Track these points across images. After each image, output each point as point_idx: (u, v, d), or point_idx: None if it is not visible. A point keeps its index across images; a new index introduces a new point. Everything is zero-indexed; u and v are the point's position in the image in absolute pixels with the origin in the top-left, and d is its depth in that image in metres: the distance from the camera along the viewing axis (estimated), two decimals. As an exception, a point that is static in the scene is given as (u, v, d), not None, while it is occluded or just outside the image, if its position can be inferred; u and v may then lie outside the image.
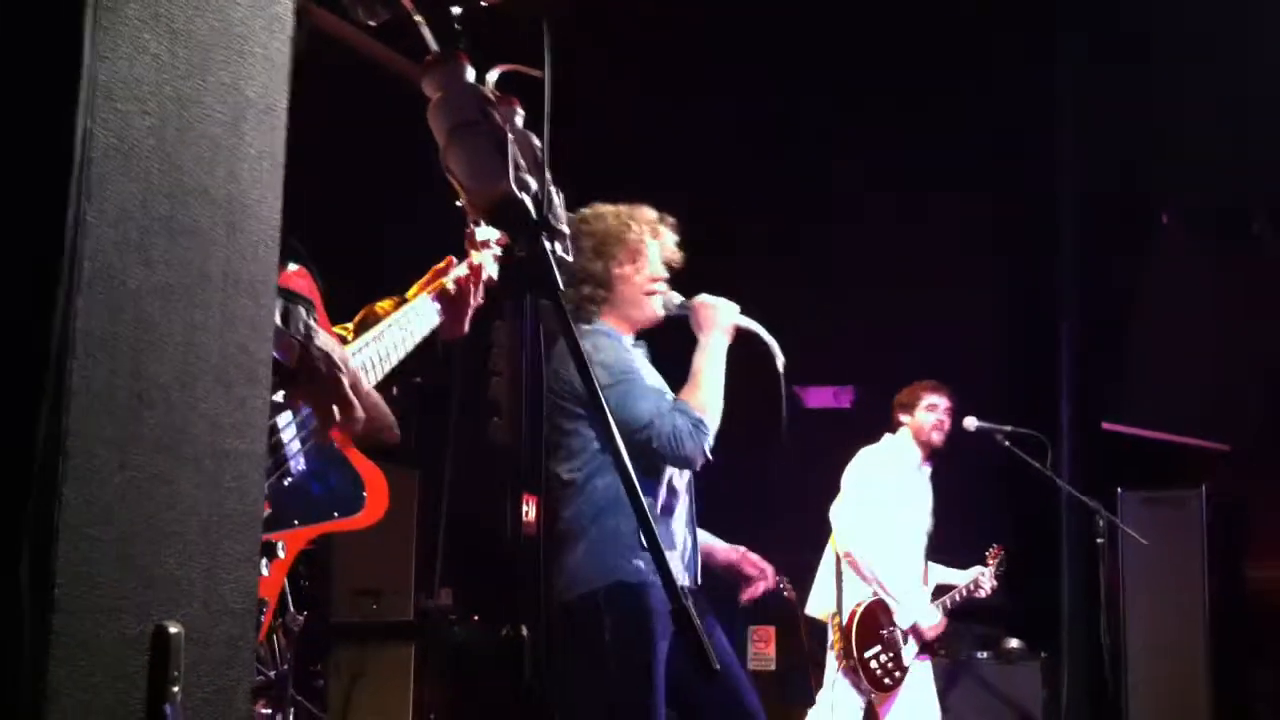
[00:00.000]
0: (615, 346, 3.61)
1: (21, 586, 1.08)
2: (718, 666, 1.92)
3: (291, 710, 4.78)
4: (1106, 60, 7.12)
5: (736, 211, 7.11)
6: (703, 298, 3.69)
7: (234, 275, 1.37)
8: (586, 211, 3.74)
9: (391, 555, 6.13)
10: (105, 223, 1.17)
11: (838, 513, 5.48)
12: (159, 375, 1.28)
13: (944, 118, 7.19)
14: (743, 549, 3.98)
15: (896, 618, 5.38)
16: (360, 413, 2.08)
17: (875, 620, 5.36)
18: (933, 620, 5.46)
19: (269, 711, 4.64)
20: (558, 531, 3.53)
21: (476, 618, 6.76)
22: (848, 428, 6.42)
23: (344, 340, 2.39)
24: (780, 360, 3.65)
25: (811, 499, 5.62)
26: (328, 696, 5.83)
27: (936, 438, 5.59)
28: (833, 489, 5.56)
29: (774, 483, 6.15)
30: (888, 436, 5.68)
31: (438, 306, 2.64)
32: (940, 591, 5.67)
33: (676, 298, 3.72)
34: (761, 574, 3.93)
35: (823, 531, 5.63)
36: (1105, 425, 7.11)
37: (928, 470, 5.64)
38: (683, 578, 3.58)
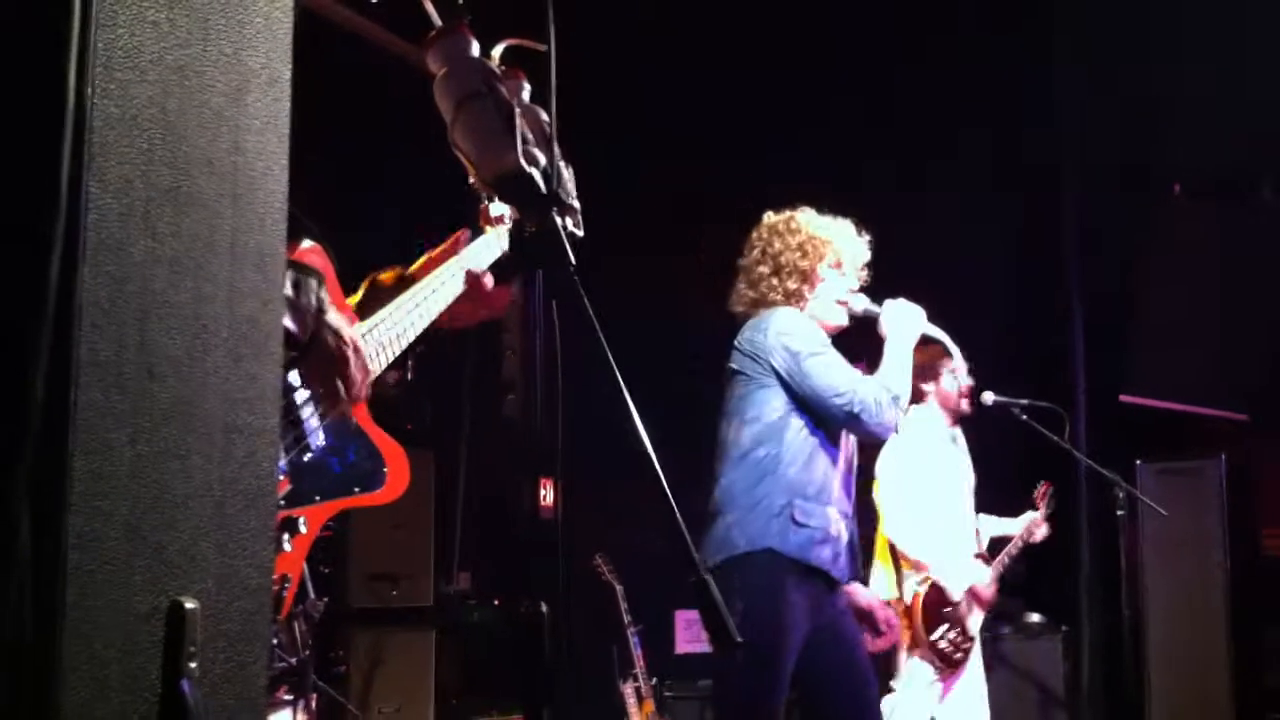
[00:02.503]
0: (811, 323, 3.76)
1: (22, 552, 1.07)
2: (739, 639, 1.91)
3: (313, 696, 4.78)
4: (1110, 32, 7.08)
5: (743, 185, 7.10)
6: (893, 302, 3.88)
7: (241, 247, 1.36)
8: (793, 213, 3.94)
9: (409, 540, 6.13)
10: (108, 193, 1.16)
11: (882, 499, 5.38)
12: (168, 348, 1.27)
13: (948, 91, 7.15)
14: (882, 601, 4.10)
15: (951, 592, 5.30)
16: (363, 392, 2.09)
17: (938, 600, 5.29)
18: (984, 580, 5.37)
19: (291, 697, 4.65)
20: (714, 496, 3.67)
21: (497, 601, 6.77)
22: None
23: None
24: (962, 367, 3.91)
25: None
26: (349, 682, 5.84)
27: (965, 405, 5.51)
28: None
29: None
30: (914, 409, 5.58)
31: (463, 279, 2.58)
32: (997, 546, 5.61)
33: (865, 300, 3.90)
34: (889, 631, 4.07)
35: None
36: (1122, 397, 7.07)
37: (958, 432, 5.57)
38: (830, 567, 3.63)
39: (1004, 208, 7.32)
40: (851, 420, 3.65)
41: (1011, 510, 5.80)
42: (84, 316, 1.14)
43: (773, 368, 3.68)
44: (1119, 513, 5.39)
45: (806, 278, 3.82)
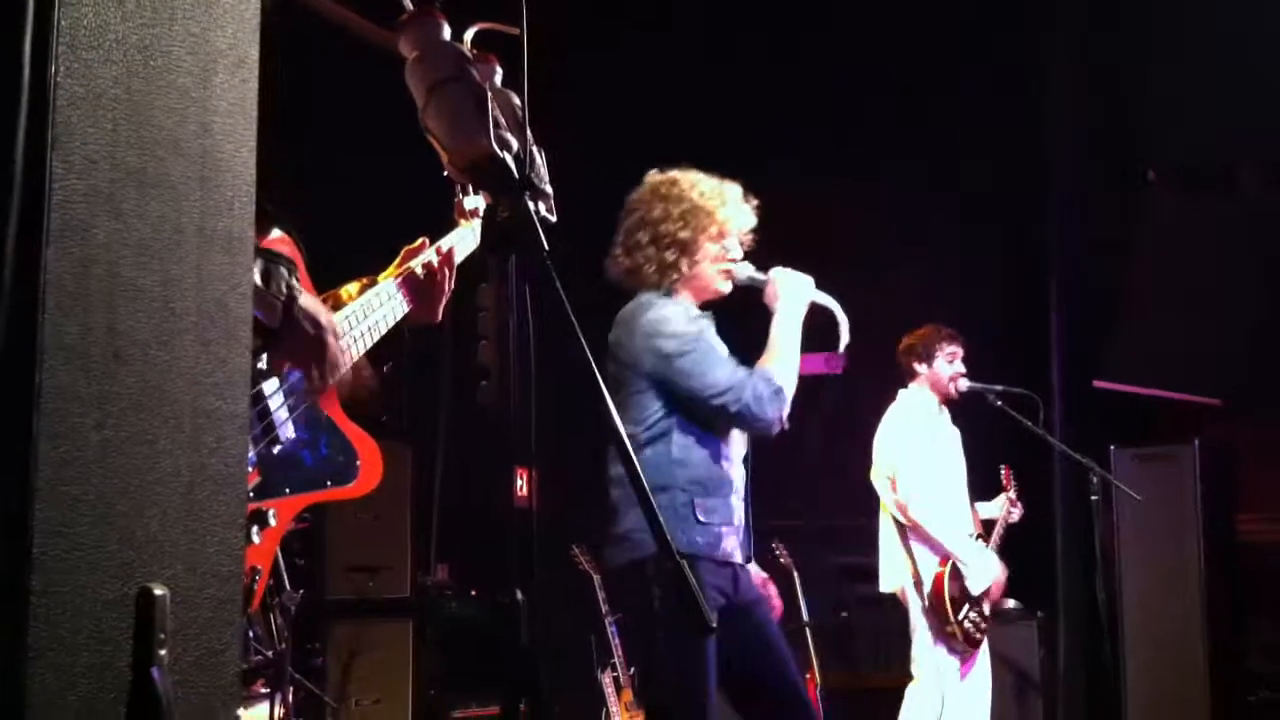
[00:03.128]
0: (685, 315, 3.57)
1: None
2: (714, 625, 1.91)
3: (291, 689, 4.76)
4: (1098, 22, 7.10)
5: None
6: (780, 270, 3.69)
7: (209, 230, 1.35)
8: (677, 176, 3.68)
9: (386, 531, 6.11)
10: (73, 173, 1.14)
11: (897, 483, 5.34)
12: (135, 332, 1.26)
13: (936, 80, 7.17)
14: (767, 579, 4.04)
15: (968, 583, 5.32)
16: (344, 371, 2.08)
17: (956, 580, 5.30)
18: (999, 575, 5.40)
19: (268, 690, 4.62)
20: (610, 498, 3.53)
21: (475, 592, 6.75)
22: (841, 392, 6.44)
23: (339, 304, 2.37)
24: (845, 338, 3.70)
25: (798, 461, 5.58)
26: (327, 674, 5.82)
27: (954, 390, 5.49)
28: (829, 451, 5.51)
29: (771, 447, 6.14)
30: (904, 392, 5.57)
31: (403, 295, 2.51)
32: (986, 528, 5.64)
33: (750, 269, 3.70)
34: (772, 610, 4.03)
35: (821, 495, 5.56)
36: (1096, 383, 7.10)
37: (948, 414, 5.58)
38: (738, 554, 3.56)
39: (982, 195, 7.34)
40: (732, 420, 3.49)
41: (985, 497, 5.83)
42: (49, 299, 1.13)
43: (644, 373, 3.50)
44: (1093, 498, 5.40)
45: (685, 248, 3.59)
